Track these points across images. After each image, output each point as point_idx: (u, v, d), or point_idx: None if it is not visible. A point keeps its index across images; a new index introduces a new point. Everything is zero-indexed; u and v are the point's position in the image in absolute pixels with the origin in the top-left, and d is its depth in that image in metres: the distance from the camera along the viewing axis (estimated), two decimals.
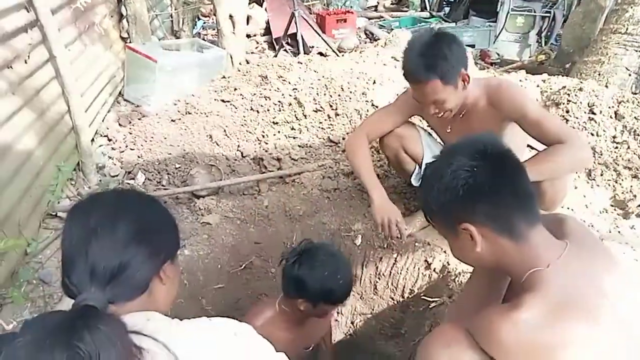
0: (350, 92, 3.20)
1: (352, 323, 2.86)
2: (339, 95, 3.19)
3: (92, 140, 3.22)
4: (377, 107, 3.10)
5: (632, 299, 1.04)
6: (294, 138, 3.07)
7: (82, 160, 2.81)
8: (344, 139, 3.00)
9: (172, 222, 1.02)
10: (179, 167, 2.95)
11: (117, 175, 2.93)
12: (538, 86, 3.46)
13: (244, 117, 3.25)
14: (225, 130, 3.17)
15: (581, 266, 1.04)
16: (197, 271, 2.49)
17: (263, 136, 3.11)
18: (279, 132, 3.12)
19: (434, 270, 2.42)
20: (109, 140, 3.28)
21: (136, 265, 0.87)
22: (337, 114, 3.12)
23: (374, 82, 3.28)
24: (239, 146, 3.05)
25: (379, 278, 2.60)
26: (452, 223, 1.13)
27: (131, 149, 3.13)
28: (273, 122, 3.16)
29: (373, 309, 2.74)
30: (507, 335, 0.97)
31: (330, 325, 2.18)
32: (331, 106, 3.16)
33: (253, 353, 0.88)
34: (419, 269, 2.46)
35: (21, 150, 2.16)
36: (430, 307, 2.30)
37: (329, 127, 3.09)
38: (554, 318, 0.96)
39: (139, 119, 3.49)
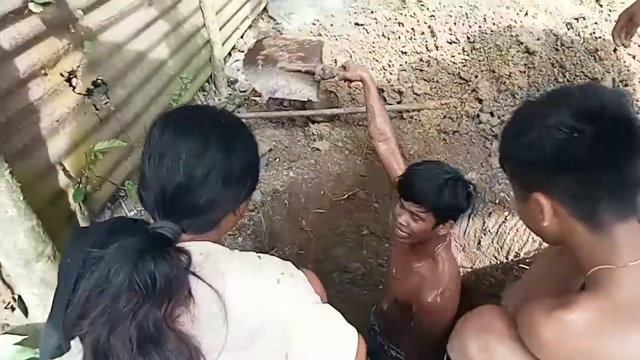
0: (494, 24, 2.81)
1: None
2: (480, 27, 2.83)
3: (230, 54, 3.40)
4: (521, 43, 2.69)
5: None
6: (421, 71, 2.85)
7: (214, 73, 2.99)
8: (476, 77, 2.69)
9: (257, 158, 0.95)
10: None
11: (245, 91, 3.07)
12: None
13: (373, 43, 3.10)
14: (351, 56, 3.07)
15: None
16: (300, 193, 2.57)
17: (389, 65, 2.94)
18: (406, 62, 2.91)
19: None
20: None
21: (218, 204, 0.85)
22: (473, 49, 2.79)
23: (526, 14, 2.82)
24: None
25: (484, 234, 2.41)
26: (525, 185, 0.94)
27: None
28: (402, 52, 2.96)
29: (474, 264, 2.58)
30: (549, 334, 0.83)
31: None
32: (468, 38, 2.83)
33: (292, 303, 0.84)
34: (529, 232, 2.22)
35: (153, 59, 2.33)
36: None
37: (462, 62, 2.78)
38: (608, 325, 0.79)
39: None
